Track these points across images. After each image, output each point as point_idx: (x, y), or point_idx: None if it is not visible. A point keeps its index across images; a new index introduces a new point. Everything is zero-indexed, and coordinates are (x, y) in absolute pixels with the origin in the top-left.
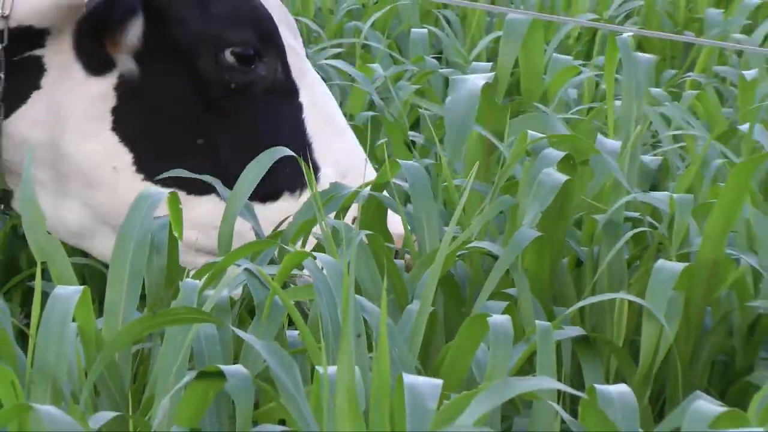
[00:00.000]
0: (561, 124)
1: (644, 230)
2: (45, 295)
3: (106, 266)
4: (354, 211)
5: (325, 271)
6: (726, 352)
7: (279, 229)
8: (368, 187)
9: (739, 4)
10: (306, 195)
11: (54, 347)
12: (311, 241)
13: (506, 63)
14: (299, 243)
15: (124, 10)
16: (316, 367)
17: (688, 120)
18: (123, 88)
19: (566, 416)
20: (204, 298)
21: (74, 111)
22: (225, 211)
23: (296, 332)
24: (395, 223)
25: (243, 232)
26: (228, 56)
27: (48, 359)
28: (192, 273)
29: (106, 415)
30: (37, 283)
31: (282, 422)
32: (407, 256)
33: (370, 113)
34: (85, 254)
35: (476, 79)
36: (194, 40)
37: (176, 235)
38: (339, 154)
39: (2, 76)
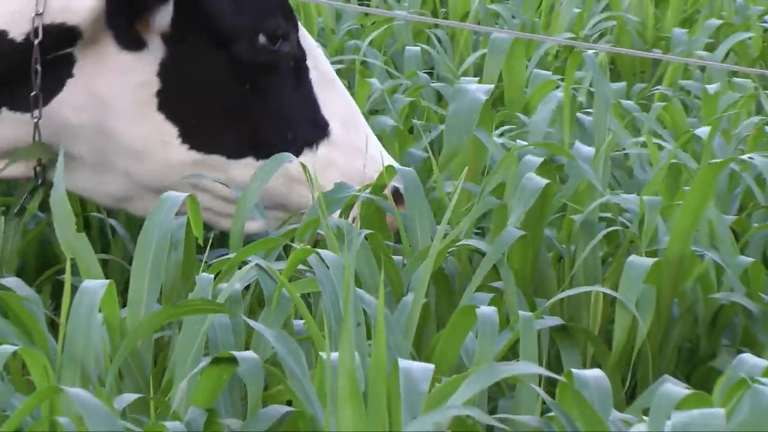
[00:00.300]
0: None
1: (617, 229)
2: (73, 289)
3: (129, 261)
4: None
5: (328, 266)
6: (691, 340)
7: (288, 228)
8: (368, 190)
9: (702, 24)
10: (323, 149)
11: (82, 335)
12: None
13: (491, 77)
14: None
15: None
16: (320, 353)
17: (656, 129)
18: (164, 74)
19: (546, 398)
20: (218, 291)
21: (121, 97)
22: (236, 213)
23: (302, 321)
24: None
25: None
26: (261, 39)
27: (77, 346)
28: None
29: (129, 397)
30: (67, 278)
31: (289, 403)
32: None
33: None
34: (109, 251)
35: (478, 91)
36: (231, 28)
37: (196, 234)
38: (340, 108)
39: (39, 68)
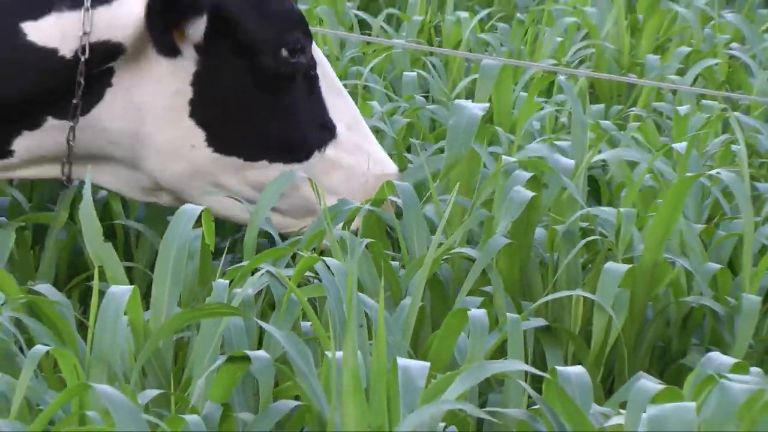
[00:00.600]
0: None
1: (596, 238)
2: (101, 294)
3: (151, 268)
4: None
5: (333, 273)
6: (664, 340)
7: (295, 239)
8: (369, 203)
9: (673, 51)
10: (330, 150)
11: (109, 337)
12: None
13: (482, 100)
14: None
15: (192, 6)
16: (326, 352)
17: (631, 146)
18: (197, 83)
19: (532, 393)
20: (232, 296)
21: (156, 105)
22: (250, 224)
23: (309, 323)
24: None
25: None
26: (283, 53)
27: (104, 346)
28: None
29: (151, 393)
30: (95, 284)
31: (297, 398)
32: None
33: None
34: (132, 260)
35: (475, 108)
36: (257, 42)
37: (208, 244)
38: (343, 112)
39: (82, 81)
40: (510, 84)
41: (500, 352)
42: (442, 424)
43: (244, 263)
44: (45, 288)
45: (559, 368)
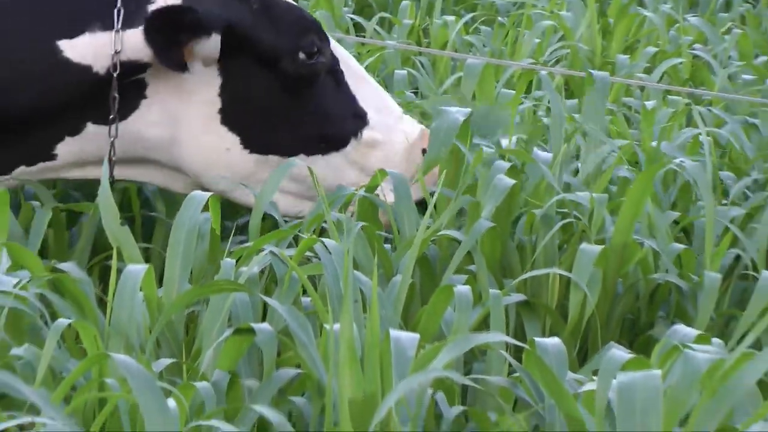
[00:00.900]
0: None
1: (571, 221)
2: (119, 272)
3: (165, 249)
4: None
5: (330, 253)
6: (633, 313)
7: (297, 221)
8: (363, 189)
9: (641, 51)
10: (366, 134)
11: (126, 311)
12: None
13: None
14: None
15: (196, 27)
16: (324, 325)
17: (602, 138)
18: (224, 94)
19: (513, 362)
20: (239, 274)
21: (189, 114)
22: (255, 208)
23: (309, 299)
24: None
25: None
26: (301, 56)
27: (121, 320)
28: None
29: (165, 362)
30: (114, 263)
31: (298, 366)
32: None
33: None
34: (148, 240)
35: (458, 113)
36: (275, 51)
37: (215, 228)
38: (371, 98)
39: (116, 95)
40: (492, 81)
41: (483, 325)
42: (431, 391)
43: (250, 244)
44: (68, 266)
45: (537, 339)
